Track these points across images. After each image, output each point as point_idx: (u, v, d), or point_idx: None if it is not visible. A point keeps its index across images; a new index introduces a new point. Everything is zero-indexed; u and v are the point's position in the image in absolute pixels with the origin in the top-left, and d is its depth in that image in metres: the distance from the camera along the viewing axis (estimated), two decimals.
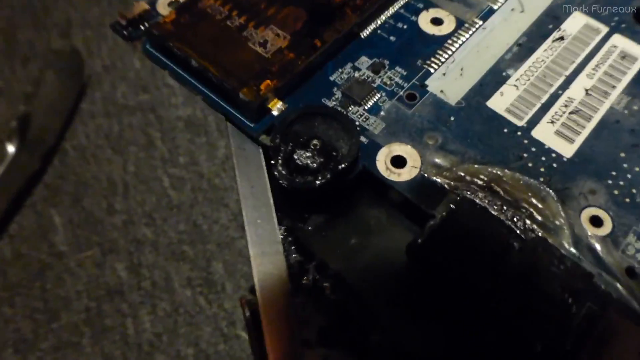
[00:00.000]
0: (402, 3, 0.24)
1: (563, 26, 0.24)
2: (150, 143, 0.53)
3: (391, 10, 0.24)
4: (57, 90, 0.53)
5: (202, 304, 0.46)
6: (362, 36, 0.24)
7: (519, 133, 0.21)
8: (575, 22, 0.24)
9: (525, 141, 0.21)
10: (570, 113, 0.21)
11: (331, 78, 0.22)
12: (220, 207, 0.50)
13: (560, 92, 0.22)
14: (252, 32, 0.22)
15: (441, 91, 0.22)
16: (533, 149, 0.21)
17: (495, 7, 0.24)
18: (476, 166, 0.20)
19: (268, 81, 0.21)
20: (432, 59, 0.23)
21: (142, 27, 0.24)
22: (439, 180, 0.20)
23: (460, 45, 0.23)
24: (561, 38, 0.23)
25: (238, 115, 0.21)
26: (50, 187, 0.51)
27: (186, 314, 0.45)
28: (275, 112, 0.21)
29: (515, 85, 0.22)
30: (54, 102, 0.53)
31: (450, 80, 0.22)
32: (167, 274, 0.47)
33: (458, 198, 0.19)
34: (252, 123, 0.21)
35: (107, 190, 0.51)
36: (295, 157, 0.19)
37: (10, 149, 0.48)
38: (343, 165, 0.19)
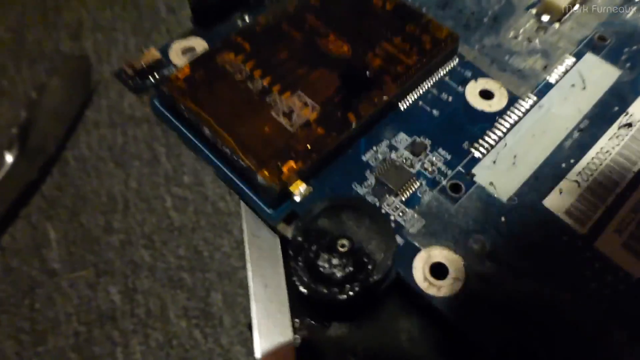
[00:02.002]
0: (447, 69, 0.20)
1: (630, 109, 0.20)
2: (155, 158, 0.49)
3: (435, 78, 0.20)
4: (62, 96, 0.49)
5: (198, 337, 0.42)
6: (401, 108, 0.20)
7: (580, 243, 0.17)
8: None
9: (588, 254, 0.17)
10: None
11: (364, 158, 0.18)
12: (223, 233, 0.46)
13: (628, 192, 0.18)
14: (276, 98, 0.18)
15: (490, 183, 0.18)
16: (596, 265, 0.17)
17: (553, 82, 0.20)
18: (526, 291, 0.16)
19: (292, 162, 0.17)
20: (481, 141, 0.19)
21: (151, 79, 0.20)
22: (484, 299, 0.16)
23: (513, 125, 0.19)
24: (629, 125, 0.19)
25: (254, 198, 0.17)
26: (48, 198, 0.47)
27: (180, 347, 0.41)
28: (297, 197, 0.17)
29: (576, 181, 0.18)
30: (58, 109, 0.49)
31: (501, 169, 0.18)
32: (162, 301, 0.43)
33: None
34: (270, 209, 0.17)
35: (107, 207, 0.47)
36: (320, 263, 0.16)
37: (9, 158, 0.44)
38: (375, 278, 0.15)
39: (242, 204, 0.18)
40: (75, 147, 0.48)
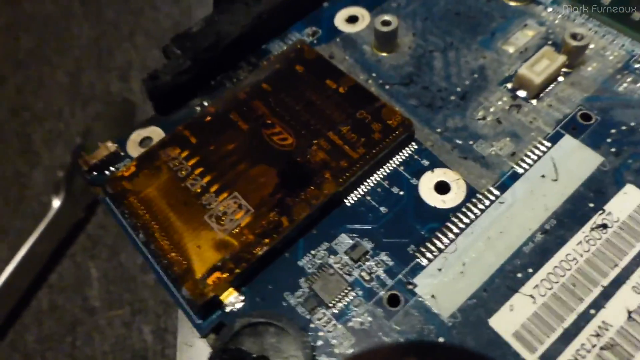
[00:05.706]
0: (402, 158, 0.19)
1: (608, 207, 0.17)
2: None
3: (388, 168, 0.19)
4: (106, 139, 0.51)
5: None
6: (347, 203, 0.18)
7: None
8: (628, 200, 0.17)
9: None
10: (603, 348, 0.15)
11: (300, 263, 0.17)
12: None
13: (592, 311, 0.16)
14: (211, 200, 0.18)
15: (432, 296, 0.16)
16: None
17: (520, 171, 0.18)
18: None
19: (218, 274, 0.16)
20: (428, 244, 0.17)
21: (106, 172, 0.20)
22: None
23: (468, 225, 0.17)
24: (604, 226, 0.17)
25: (185, 307, 0.17)
26: (92, 237, 0.49)
27: None
28: (227, 307, 0.17)
29: (531, 296, 0.16)
30: None
31: (446, 279, 0.16)
32: None
33: None
34: (198, 319, 0.17)
35: None
36: None
37: (56, 202, 0.47)
38: None
39: (179, 310, 0.18)
40: None
